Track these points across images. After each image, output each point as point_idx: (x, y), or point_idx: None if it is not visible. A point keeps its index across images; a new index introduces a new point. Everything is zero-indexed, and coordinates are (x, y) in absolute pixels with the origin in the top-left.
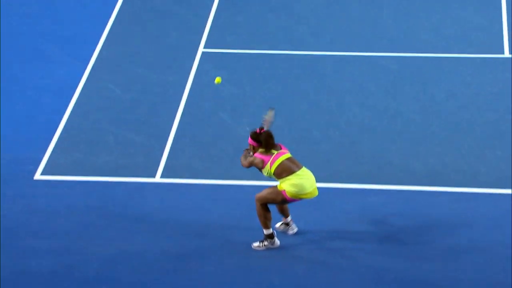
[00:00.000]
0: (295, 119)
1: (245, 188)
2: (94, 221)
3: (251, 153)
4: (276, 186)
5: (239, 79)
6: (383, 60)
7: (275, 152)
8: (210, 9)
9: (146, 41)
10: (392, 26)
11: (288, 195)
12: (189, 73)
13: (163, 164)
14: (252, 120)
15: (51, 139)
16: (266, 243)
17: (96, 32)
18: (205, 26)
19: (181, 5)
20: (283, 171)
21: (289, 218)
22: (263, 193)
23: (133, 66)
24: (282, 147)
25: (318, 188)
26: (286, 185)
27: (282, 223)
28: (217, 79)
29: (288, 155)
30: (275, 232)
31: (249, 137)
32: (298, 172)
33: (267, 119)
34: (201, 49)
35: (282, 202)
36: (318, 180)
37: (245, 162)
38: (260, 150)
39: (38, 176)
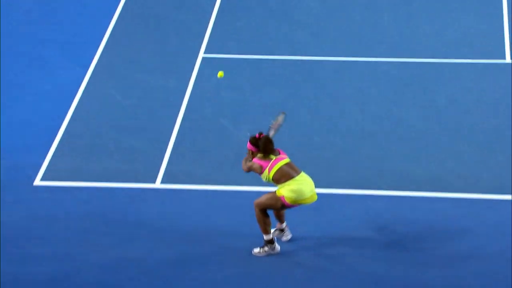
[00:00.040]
0: (295, 125)
1: (246, 194)
2: (94, 227)
3: (250, 158)
4: (274, 192)
5: (239, 85)
6: (384, 66)
7: (274, 158)
8: (211, 15)
9: (147, 47)
10: (393, 32)
11: (287, 200)
12: (189, 79)
13: (163, 170)
14: (253, 125)
15: (51, 145)
16: (266, 248)
17: (96, 37)
18: (205, 32)
19: (181, 11)
20: (281, 177)
21: (284, 224)
22: (262, 199)
23: (133, 72)
24: (281, 152)
25: (319, 194)
26: (285, 191)
27: (277, 229)
28: (220, 73)
29: (286, 160)
30: (275, 238)
31: (248, 142)
32: (296, 178)
33: (277, 123)
34: (201, 54)
35: (281, 207)
36: (319, 186)
37: (245, 167)
38: (259, 155)
39: (37, 181)
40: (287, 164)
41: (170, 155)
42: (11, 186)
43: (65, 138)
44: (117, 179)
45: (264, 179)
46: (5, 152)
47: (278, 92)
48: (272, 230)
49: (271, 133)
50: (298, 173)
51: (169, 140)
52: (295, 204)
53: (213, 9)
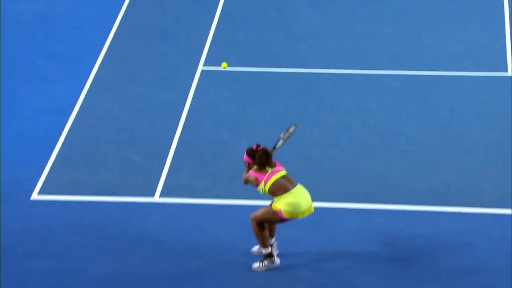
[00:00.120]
0: (296, 137)
1: (246, 208)
2: (92, 242)
3: (246, 169)
4: (271, 206)
5: (239, 97)
6: (385, 78)
7: (270, 170)
8: (210, 27)
9: (145, 59)
10: (394, 44)
11: (284, 214)
12: (188, 91)
13: (162, 184)
14: (252, 138)
15: (48, 158)
16: (266, 262)
17: (94, 50)
18: (204, 44)
19: (180, 23)
20: (277, 189)
21: (273, 240)
22: (259, 213)
23: (132, 84)
24: (277, 164)
25: (319, 208)
26: (282, 204)
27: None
28: (223, 64)
29: (283, 173)
30: (277, 251)
31: (245, 153)
32: (293, 190)
33: (287, 134)
34: (200, 67)
35: (278, 221)
36: (319, 199)
37: (242, 178)
38: (255, 167)
39: (35, 195)
40: (283, 176)
41: (169, 168)
42: (8, 200)
43: (63, 152)
44: (116, 192)
45: (260, 192)
46: (2, 165)
47: (278, 105)
48: (257, 247)
49: (280, 143)
50: (294, 185)
51: (168, 154)
52: (293, 217)
53: (212, 21)
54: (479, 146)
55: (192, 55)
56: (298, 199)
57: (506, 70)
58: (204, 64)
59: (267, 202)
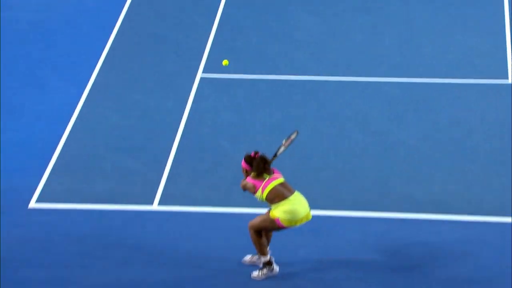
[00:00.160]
0: (295, 145)
1: (245, 216)
2: (90, 250)
3: (244, 176)
4: (269, 214)
5: (238, 105)
6: (385, 86)
7: (267, 177)
8: (209, 34)
9: (144, 67)
10: (394, 51)
11: (282, 222)
12: (187, 99)
13: (161, 192)
14: (252, 146)
15: (46, 166)
16: (265, 271)
17: (92, 57)
18: (203, 51)
19: (179, 30)
20: (275, 197)
21: (268, 249)
22: (256, 221)
23: (130, 92)
24: (275, 171)
25: (319, 216)
26: (279, 212)
27: (258, 254)
28: (225, 62)
29: (280, 180)
30: (273, 258)
31: (243, 160)
32: (290, 198)
33: (289, 141)
34: (199, 74)
35: (276, 229)
36: (319, 207)
37: (240, 185)
38: (253, 174)
39: (33, 204)
40: (281, 184)
41: (168, 176)
42: (6, 209)
43: (61, 160)
44: (114, 201)
45: (258, 199)
46: (0, 173)
47: (277, 112)
48: (249, 257)
49: (281, 150)
50: (292, 192)
51: (166, 161)
52: (290, 225)
53: (211, 28)
54: (479, 154)
55: (191, 62)
56: (296, 206)
57: (506, 78)
58: (203, 71)
59: (266, 210)
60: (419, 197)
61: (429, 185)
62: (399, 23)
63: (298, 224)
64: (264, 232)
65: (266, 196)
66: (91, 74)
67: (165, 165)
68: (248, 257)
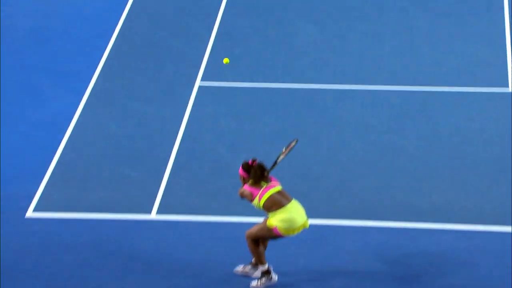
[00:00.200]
0: (294, 154)
1: (244, 226)
2: (88, 260)
3: (242, 183)
4: (266, 222)
5: (237, 113)
6: (385, 94)
7: (265, 185)
8: (208, 42)
9: (142, 75)
10: (394, 59)
11: (280, 231)
12: (186, 107)
13: (159, 201)
14: (251, 155)
15: (44, 175)
16: (263, 280)
17: (91, 65)
18: (202, 59)
19: (177, 38)
20: (272, 205)
21: None
22: (254, 230)
23: (129, 100)
24: (273, 179)
25: (319, 225)
26: (277, 221)
27: (251, 264)
28: (225, 60)
29: (278, 188)
30: (271, 267)
31: (240, 167)
32: (288, 206)
33: (288, 148)
34: (198, 82)
35: (273, 238)
36: (318, 216)
37: (238, 192)
38: (250, 181)
39: (30, 213)
40: (278, 192)
41: (166, 185)
42: (3, 218)
43: (58, 168)
44: (112, 209)
45: (255, 207)
46: None
47: (276, 121)
48: (241, 268)
49: (281, 158)
50: (289, 201)
51: (165, 170)
52: (288, 233)
53: (210, 36)
54: (480, 162)
55: (190, 70)
56: (293, 214)
57: (507, 86)
58: (202, 79)
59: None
60: (419, 206)
61: (429, 194)
62: (399, 31)
63: (295, 233)
64: (261, 240)
65: (263, 204)
66: (89, 82)
67: (164, 173)
68: (240, 268)
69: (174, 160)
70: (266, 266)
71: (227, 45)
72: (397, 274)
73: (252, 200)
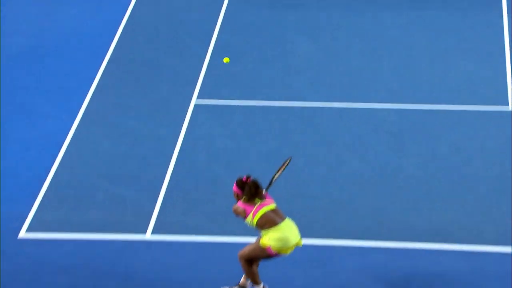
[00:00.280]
0: (292, 173)
1: (240, 246)
2: (81, 281)
3: (235, 200)
4: (259, 242)
5: (233, 132)
6: (383, 112)
7: (259, 202)
8: (204, 60)
9: (137, 93)
10: (392, 77)
11: (274, 250)
12: (181, 126)
13: (154, 220)
14: (247, 174)
15: (37, 195)
16: None
17: (85, 83)
18: (198, 77)
19: (173, 56)
20: (266, 223)
21: (248, 281)
22: (246, 250)
23: (123, 119)
24: (267, 197)
25: (316, 246)
26: (271, 240)
27: (237, 286)
28: (225, 59)
29: (272, 206)
30: (267, 287)
31: (234, 184)
32: (281, 224)
33: (283, 166)
34: (194, 100)
35: (266, 257)
36: (316, 236)
37: (232, 209)
38: (244, 198)
39: (23, 234)
40: (272, 210)
41: (161, 204)
42: None
43: (52, 188)
44: (106, 230)
45: (248, 224)
46: None
47: (273, 139)
48: None
49: (276, 176)
50: (283, 219)
51: (160, 189)
52: (281, 252)
53: (206, 53)
54: (479, 182)
55: (185, 88)
56: (287, 233)
57: (507, 104)
58: (198, 97)
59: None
60: (418, 226)
61: (428, 213)
62: (397, 48)
63: (288, 252)
64: (254, 260)
65: (257, 221)
66: (83, 101)
67: (159, 193)
68: None
69: (170, 179)
70: (261, 286)
71: (223, 63)
72: None
73: (245, 217)
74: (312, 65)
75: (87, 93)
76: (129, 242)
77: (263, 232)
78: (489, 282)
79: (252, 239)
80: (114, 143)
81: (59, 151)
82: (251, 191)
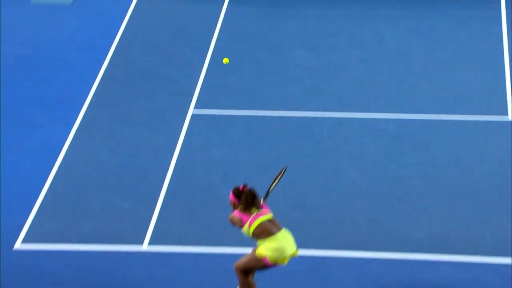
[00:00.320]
0: (289, 183)
1: (237, 257)
2: None
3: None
4: (255, 253)
5: (231, 142)
6: (382, 122)
7: (255, 212)
8: (201, 69)
9: (134, 103)
10: (391, 87)
11: (270, 260)
12: (178, 136)
13: (151, 231)
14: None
15: (33, 206)
16: None
17: (81, 93)
18: (195, 87)
19: (170, 65)
20: (262, 232)
21: None
22: (241, 261)
23: (120, 129)
24: (264, 207)
25: (313, 257)
26: (267, 251)
27: None
28: (225, 60)
29: (268, 216)
30: None
31: (231, 193)
32: (277, 235)
33: (279, 176)
34: (191, 110)
35: (262, 268)
36: (313, 247)
37: (228, 218)
38: (240, 207)
39: (18, 245)
40: (269, 220)
41: (158, 215)
42: None
43: (48, 199)
44: (103, 241)
45: (244, 233)
46: None
47: (271, 149)
48: None
49: (272, 186)
50: (279, 229)
51: (157, 200)
52: (277, 263)
53: (203, 63)
54: (479, 192)
55: (183, 98)
56: (283, 244)
57: (506, 114)
58: (195, 107)
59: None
60: (416, 236)
61: (427, 224)
62: (396, 58)
63: (285, 262)
64: (250, 270)
65: (253, 231)
66: (80, 111)
67: (156, 203)
68: None
69: (167, 190)
70: None
71: (220, 72)
72: None
73: (241, 226)
74: (310, 74)
75: (83, 103)
76: (125, 253)
77: (259, 242)
78: None
79: (248, 250)
80: (110, 153)
81: (55, 162)
82: (247, 200)
